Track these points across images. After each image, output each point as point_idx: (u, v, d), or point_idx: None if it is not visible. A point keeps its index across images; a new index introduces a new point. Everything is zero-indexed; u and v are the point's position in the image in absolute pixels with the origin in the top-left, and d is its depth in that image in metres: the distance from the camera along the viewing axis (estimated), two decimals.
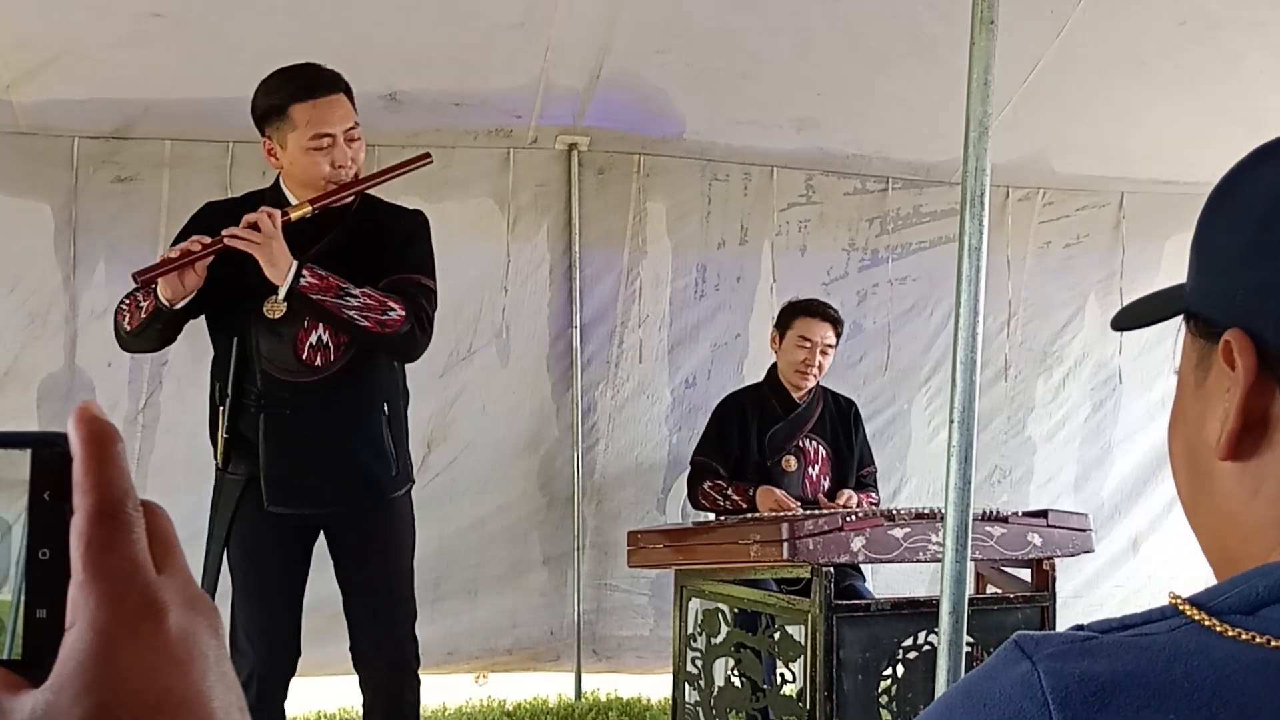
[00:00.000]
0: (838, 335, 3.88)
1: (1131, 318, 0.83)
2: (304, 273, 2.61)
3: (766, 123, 4.22)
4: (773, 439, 3.86)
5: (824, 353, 3.83)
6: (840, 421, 3.96)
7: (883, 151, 4.42)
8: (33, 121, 3.73)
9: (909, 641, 2.93)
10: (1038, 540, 3.07)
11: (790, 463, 3.84)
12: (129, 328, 2.66)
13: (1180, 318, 0.76)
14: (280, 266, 2.59)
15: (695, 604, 3.37)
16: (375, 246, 2.77)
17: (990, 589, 3.39)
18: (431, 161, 2.86)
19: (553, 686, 4.49)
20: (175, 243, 2.68)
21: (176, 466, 3.89)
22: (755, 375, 4.13)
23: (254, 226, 2.57)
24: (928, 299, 4.63)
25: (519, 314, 4.26)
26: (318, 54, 3.56)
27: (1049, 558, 3.10)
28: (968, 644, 2.37)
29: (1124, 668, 0.61)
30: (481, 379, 4.24)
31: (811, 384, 3.87)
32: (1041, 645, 0.65)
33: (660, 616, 4.33)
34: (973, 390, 2.07)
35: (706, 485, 3.81)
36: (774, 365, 3.95)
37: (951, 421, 2.05)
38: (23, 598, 0.46)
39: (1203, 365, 0.71)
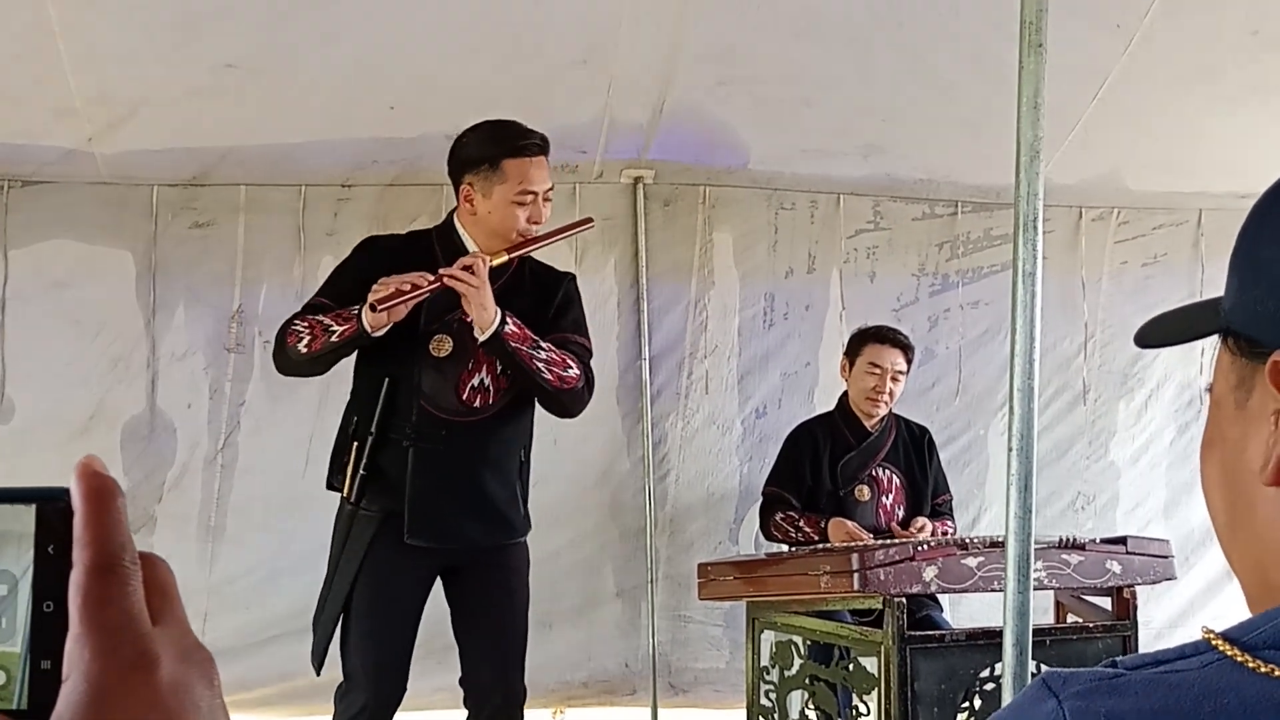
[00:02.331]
0: (908, 361, 3.83)
1: (1159, 335, 0.79)
2: (507, 320, 2.72)
3: (832, 150, 4.19)
4: (845, 468, 3.81)
5: (895, 379, 3.79)
6: (914, 449, 3.91)
7: (951, 175, 4.37)
8: (114, 172, 3.85)
9: (986, 673, 2.88)
10: (1117, 568, 2.99)
11: (863, 492, 3.80)
12: (307, 350, 2.72)
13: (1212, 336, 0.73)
14: (489, 311, 2.70)
15: (768, 636, 3.34)
16: (536, 302, 2.90)
17: (1071, 618, 3.31)
18: (593, 225, 3.18)
19: None
20: (345, 271, 2.84)
21: (255, 506, 3.96)
22: (826, 404, 4.09)
23: (469, 270, 2.69)
24: (1001, 323, 4.54)
25: None
26: (383, 97, 3.66)
27: (1129, 585, 3.02)
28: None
29: (1151, 706, 0.60)
30: None
31: (883, 411, 3.82)
32: (1069, 683, 0.64)
33: (736, 649, 4.28)
34: (1031, 418, 2.04)
35: (778, 517, 3.77)
36: (845, 394, 3.91)
37: (1010, 449, 2.02)
38: (28, 650, 0.47)
39: (1244, 386, 0.68)
